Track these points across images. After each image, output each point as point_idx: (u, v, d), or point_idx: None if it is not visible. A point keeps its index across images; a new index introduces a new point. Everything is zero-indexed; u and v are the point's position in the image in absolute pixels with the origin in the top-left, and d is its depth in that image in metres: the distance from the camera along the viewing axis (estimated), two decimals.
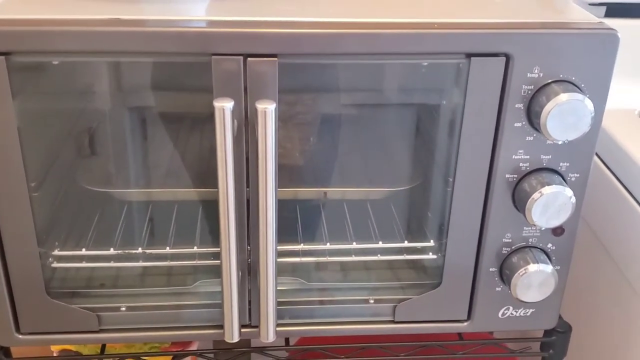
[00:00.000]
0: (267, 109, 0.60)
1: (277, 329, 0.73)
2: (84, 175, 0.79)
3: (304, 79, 0.75)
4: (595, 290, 0.96)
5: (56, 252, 0.74)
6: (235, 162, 0.63)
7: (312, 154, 0.84)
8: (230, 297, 0.68)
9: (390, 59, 0.68)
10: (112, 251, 0.75)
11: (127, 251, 0.75)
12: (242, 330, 0.73)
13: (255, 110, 0.60)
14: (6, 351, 0.75)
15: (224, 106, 0.59)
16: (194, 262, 0.76)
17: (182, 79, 0.76)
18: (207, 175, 0.80)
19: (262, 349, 0.80)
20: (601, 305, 0.95)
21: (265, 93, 0.63)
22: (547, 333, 0.83)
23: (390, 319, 0.78)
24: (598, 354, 0.97)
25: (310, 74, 0.76)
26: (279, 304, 0.73)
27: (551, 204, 0.69)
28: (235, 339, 0.71)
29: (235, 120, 0.63)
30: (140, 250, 0.75)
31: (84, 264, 0.75)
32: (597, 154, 0.96)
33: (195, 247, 0.77)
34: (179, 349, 0.89)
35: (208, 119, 0.61)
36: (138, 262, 0.75)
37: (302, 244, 0.79)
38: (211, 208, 0.72)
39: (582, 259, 0.99)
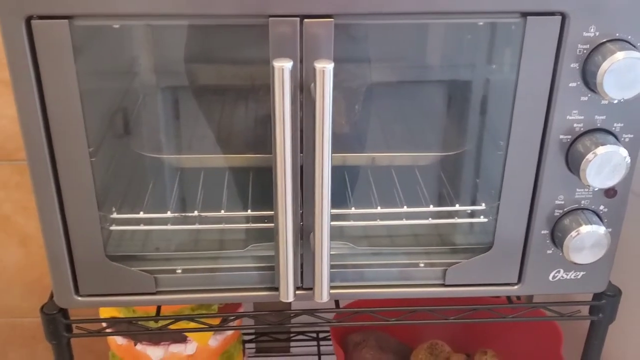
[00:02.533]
0: (326, 69, 0.60)
1: (331, 291, 0.74)
2: (137, 141, 0.81)
3: (353, 45, 0.76)
4: None
5: (114, 215, 0.75)
6: (291, 126, 0.63)
7: (360, 120, 0.84)
8: (287, 257, 0.70)
9: (445, 18, 0.68)
10: (168, 214, 0.76)
11: (182, 214, 0.76)
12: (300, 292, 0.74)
13: (314, 70, 0.61)
14: (64, 313, 0.77)
15: (283, 66, 0.60)
16: (248, 224, 0.77)
17: (234, 48, 0.76)
18: (257, 141, 0.81)
19: (313, 311, 0.81)
20: None
21: (321, 54, 0.63)
22: (597, 297, 0.83)
23: (441, 282, 0.79)
24: None
25: (359, 39, 0.77)
26: (330, 267, 0.74)
27: (606, 164, 0.69)
28: (291, 298, 0.73)
29: (292, 83, 0.63)
30: (195, 213, 0.76)
31: (141, 227, 0.76)
32: None
33: (249, 211, 0.78)
34: (228, 312, 0.91)
35: (258, 87, 0.61)
36: (193, 224, 0.77)
37: (352, 208, 0.80)
38: (262, 174, 0.73)
39: (629, 225, 0.99)
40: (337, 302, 0.85)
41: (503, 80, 0.72)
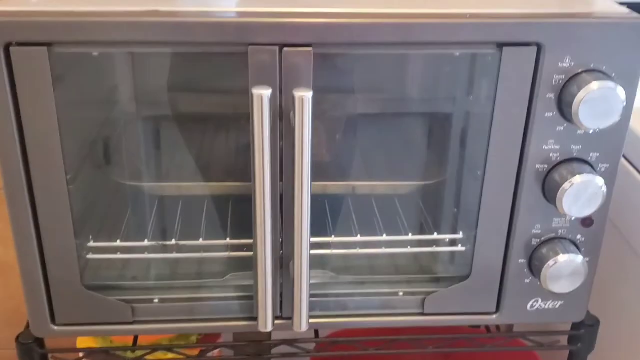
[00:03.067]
0: (305, 97, 0.61)
1: (311, 320, 0.74)
2: (116, 170, 0.80)
3: (333, 76, 0.76)
4: (622, 286, 0.96)
5: (91, 244, 0.74)
6: (271, 153, 0.64)
7: (340, 149, 0.85)
8: (265, 286, 0.69)
9: (422, 49, 0.69)
10: (146, 242, 0.76)
11: (160, 243, 0.76)
12: (278, 322, 0.73)
13: (293, 98, 0.61)
14: (40, 342, 0.76)
15: (263, 94, 0.60)
16: (227, 253, 0.77)
17: (214, 76, 0.77)
18: (237, 170, 0.81)
19: (292, 341, 0.81)
20: (627, 301, 0.95)
21: (300, 82, 0.64)
22: (575, 326, 0.83)
23: (419, 311, 0.78)
24: (625, 349, 0.97)
25: (339, 70, 0.77)
26: (310, 296, 0.74)
27: (582, 194, 0.70)
28: (269, 328, 0.72)
29: (271, 111, 0.64)
30: (173, 241, 0.76)
31: (118, 255, 0.76)
32: None
33: (228, 239, 0.78)
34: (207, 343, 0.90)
35: (239, 116, 0.62)
36: (171, 253, 0.76)
37: (332, 237, 0.80)
38: (242, 202, 0.73)
39: (607, 255, 0.99)
40: (316, 332, 0.85)
41: (480, 111, 0.73)
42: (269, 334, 0.81)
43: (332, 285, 0.80)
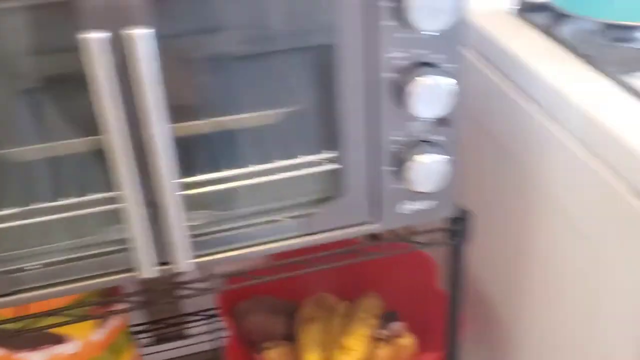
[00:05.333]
0: (141, 34, 0.59)
1: (194, 260, 0.75)
2: None
3: (181, 13, 0.75)
4: (499, 183, 1.02)
5: None
6: (118, 98, 0.63)
7: (203, 88, 0.84)
8: (139, 234, 0.69)
9: None
10: (12, 210, 0.74)
11: (24, 208, 0.74)
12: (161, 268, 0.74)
13: (130, 38, 0.60)
14: None
15: (97, 37, 0.59)
16: (98, 207, 0.76)
17: (46, 34, 0.74)
18: (92, 125, 0.79)
19: (185, 283, 0.82)
20: (505, 196, 1.01)
21: (137, 21, 0.62)
22: (452, 222, 0.88)
23: (306, 232, 0.81)
24: (505, 240, 1.03)
25: (189, 6, 0.76)
26: (191, 236, 0.74)
27: (432, 95, 0.73)
28: (152, 274, 0.73)
29: (110, 56, 0.62)
30: (37, 205, 0.74)
31: None
32: (480, 54, 1.01)
33: (99, 194, 0.76)
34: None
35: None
36: (39, 217, 0.74)
37: (204, 175, 0.80)
38: (100, 156, 0.72)
39: (482, 155, 1.05)
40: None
41: (323, 30, 0.74)
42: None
43: (216, 223, 0.81)
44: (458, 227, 0.88)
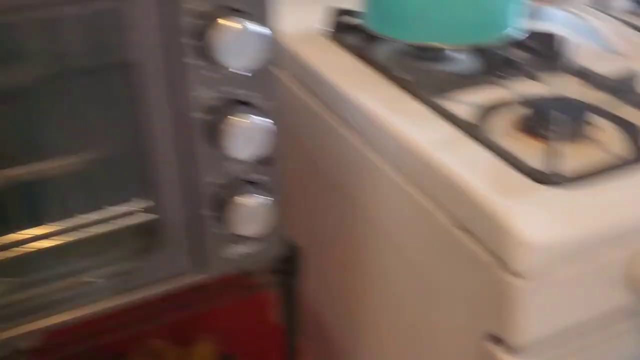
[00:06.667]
0: None
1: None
2: None
3: None
4: (334, 216, 1.00)
5: None
6: None
7: None
8: None
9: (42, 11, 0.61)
10: None
11: None
12: None
13: None
14: None
15: None
16: None
17: None
18: None
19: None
20: (339, 228, 0.99)
21: None
22: (282, 262, 0.84)
23: (123, 289, 0.74)
24: (342, 272, 1.02)
25: None
26: None
27: (250, 134, 0.69)
28: None
29: None
30: None
31: None
32: (301, 83, 0.99)
33: None
34: None
35: None
36: None
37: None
38: None
39: (315, 190, 1.02)
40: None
41: (126, 73, 0.67)
42: None
43: (11, 291, 0.71)
44: (288, 266, 0.85)
